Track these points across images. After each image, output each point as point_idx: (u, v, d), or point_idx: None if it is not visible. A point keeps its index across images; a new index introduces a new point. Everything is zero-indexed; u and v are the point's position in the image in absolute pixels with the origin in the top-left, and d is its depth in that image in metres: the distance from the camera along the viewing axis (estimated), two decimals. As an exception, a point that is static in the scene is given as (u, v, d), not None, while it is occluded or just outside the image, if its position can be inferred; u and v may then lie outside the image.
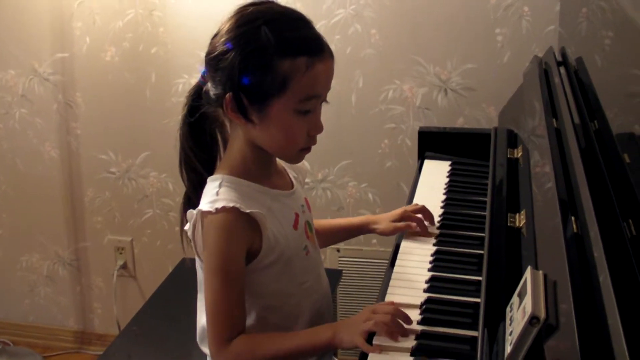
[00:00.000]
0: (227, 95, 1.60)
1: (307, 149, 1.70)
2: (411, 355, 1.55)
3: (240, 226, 1.62)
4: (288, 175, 1.86)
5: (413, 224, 2.09)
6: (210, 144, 1.76)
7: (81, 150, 3.39)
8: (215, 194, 1.64)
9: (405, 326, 1.62)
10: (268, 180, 1.75)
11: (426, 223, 2.09)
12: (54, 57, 3.27)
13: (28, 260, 3.66)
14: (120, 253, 3.51)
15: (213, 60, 1.62)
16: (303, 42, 1.60)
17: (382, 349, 1.57)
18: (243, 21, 1.61)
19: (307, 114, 1.62)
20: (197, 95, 1.71)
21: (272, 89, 1.57)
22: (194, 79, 1.71)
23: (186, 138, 1.74)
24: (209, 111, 1.71)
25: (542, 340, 1.24)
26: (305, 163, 1.92)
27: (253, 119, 1.61)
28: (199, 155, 1.74)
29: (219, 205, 1.60)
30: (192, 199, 1.74)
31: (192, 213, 1.64)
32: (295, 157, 1.72)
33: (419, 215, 2.10)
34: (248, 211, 1.61)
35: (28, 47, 3.28)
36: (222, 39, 1.61)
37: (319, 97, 1.64)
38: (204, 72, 1.69)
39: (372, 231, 2.12)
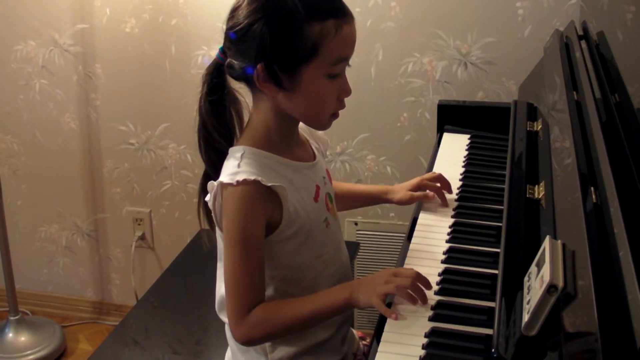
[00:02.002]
0: (259, 66, 1.59)
1: (336, 114, 1.70)
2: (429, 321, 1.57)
3: (260, 199, 1.62)
4: (310, 146, 1.85)
5: (431, 193, 2.09)
6: (230, 119, 1.76)
7: (100, 121, 3.40)
8: (236, 166, 1.64)
9: (425, 291, 1.63)
10: (290, 152, 1.75)
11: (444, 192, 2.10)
12: (74, 29, 3.27)
13: (47, 231, 3.68)
14: (139, 224, 3.53)
15: (238, 33, 1.61)
16: (329, 5, 1.59)
17: (398, 315, 1.58)
18: None
19: (335, 78, 1.62)
20: (217, 72, 1.70)
21: (304, 54, 1.57)
22: (214, 51, 1.71)
23: (208, 115, 1.72)
24: (228, 86, 1.71)
25: (559, 309, 1.24)
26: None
27: (285, 86, 1.61)
28: (220, 132, 1.73)
29: (240, 177, 1.60)
30: (211, 177, 1.74)
31: (212, 184, 1.64)
32: (326, 122, 1.71)
33: (437, 185, 2.10)
34: (269, 184, 1.61)
35: (48, 18, 3.28)
36: (245, 11, 1.60)
37: (347, 59, 1.64)
38: (221, 48, 1.68)
39: (389, 201, 2.13)
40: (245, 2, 1.61)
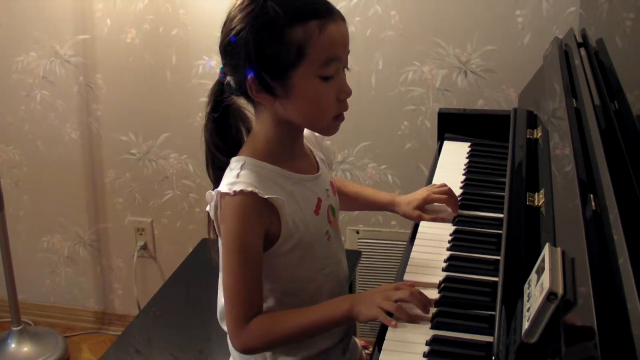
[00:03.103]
0: (249, 77, 1.59)
1: (341, 117, 1.68)
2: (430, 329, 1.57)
3: (257, 210, 1.62)
4: (314, 157, 1.84)
5: (440, 216, 2.08)
6: (237, 137, 1.76)
7: (102, 131, 3.41)
8: (235, 176, 1.64)
9: (422, 313, 1.63)
10: (292, 163, 1.74)
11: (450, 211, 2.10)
12: (75, 39, 3.28)
13: (49, 241, 3.69)
14: (141, 234, 3.53)
15: (228, 47, 1.62)
16: (310, 6, 1.58)
17: (397, 324, 1.59)
18: (248, 1, 1.60)
19: (330, 80, 1.61)
20: (220, 91, 1.71)
21: (290, 59, 1.56)
22: (215, 61, 1.71)
23: (212, 135, 1.73)
24: (232, 104, 1.72)
25: (559, 316, 1.24)
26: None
27: (279, 94, 1.60)
28: (226, 151, 1.73)
29: (238, 188, 1.60)
30: None
31: (211, 194, 1.64)
32: (330, 126, 1.69)
33: (444, 197, 2.10)
34: (266, 196, 1.61)
35: (49, 29, 3.29)
36: (231, 25, 1.60)
37: (339, 59, 1.61)
38: (222, 67, 1.68)
39: (395, 212, 2.12)
40: (230, 16, 1.62)
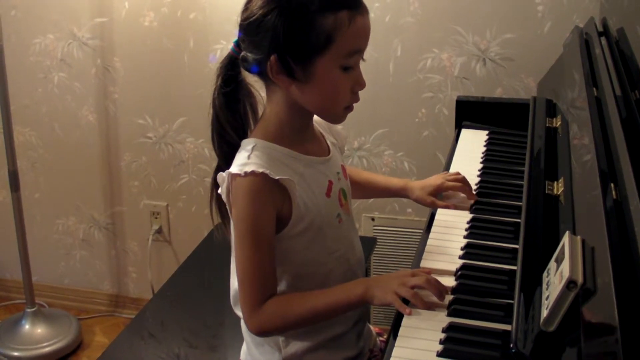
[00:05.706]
0: (272, 57, 1.59)
1: (350, 107, 1.68)
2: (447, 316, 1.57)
3: (268, 191, 1.62)
4: (325, 141, 1.84)
5: (453, 202, 2.07)
6: (244, 113, 1.76)
7: (119, 114, 3.41)
8: (246, 158, 1.64)
9: (442, 289, 1.62)
10: (303, 146, 1.74)
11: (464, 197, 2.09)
12: (93, 22, 3.28)
13: (64, 224, 3.70)
14: (156, 218, 3.54)
15: (252, 25, 1.60)
16: None
17: (412, 312, 1.58)
18: None
19: (349, 71, 1.61)
20: (230, 65, 1.71)
21: (317, 46, 1.56)
22: (219, 55, 1.70)
23: (222, 108, 1.73)
24: (243, 80, 1.72)
25: (579, 304, 1.23)
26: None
27: (298, 77, 1.60)
28: (233, 125, 1.73)
29: (249, 169, 1.60)
30: (223, 170, 1.74)
31: (222, 176, 1.64)
32: (340, 115, 1.70)
33: (459, 184, 2.09)
34: (277, 177, 1.61)
35: (67, 12, 3.29)
36: (259, 2, 1.59)
37: (360, 52, 1.63)
38: (236, 41, 1.68)
39: (407, 197, 2.12)
40: None
